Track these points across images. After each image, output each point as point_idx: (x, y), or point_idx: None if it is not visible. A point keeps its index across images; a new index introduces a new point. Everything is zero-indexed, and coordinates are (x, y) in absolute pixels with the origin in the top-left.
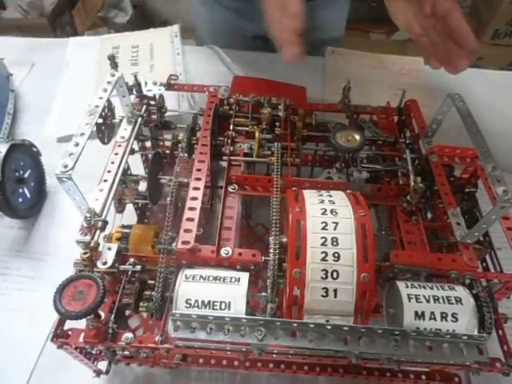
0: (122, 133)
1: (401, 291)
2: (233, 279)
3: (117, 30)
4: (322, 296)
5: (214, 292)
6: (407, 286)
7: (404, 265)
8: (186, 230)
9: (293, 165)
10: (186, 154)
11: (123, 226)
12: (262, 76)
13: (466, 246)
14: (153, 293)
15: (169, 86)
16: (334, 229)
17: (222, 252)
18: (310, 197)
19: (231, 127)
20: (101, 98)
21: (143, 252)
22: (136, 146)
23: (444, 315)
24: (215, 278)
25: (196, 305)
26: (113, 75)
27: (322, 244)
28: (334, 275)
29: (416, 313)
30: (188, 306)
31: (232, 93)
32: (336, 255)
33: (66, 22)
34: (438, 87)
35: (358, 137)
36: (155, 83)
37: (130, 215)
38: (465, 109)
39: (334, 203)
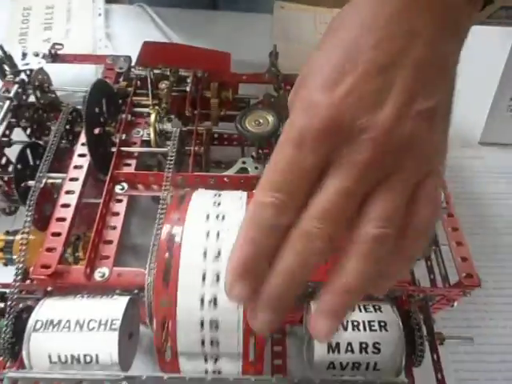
0: None
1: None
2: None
3: None
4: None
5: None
6: None
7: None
8: (49, 249)
9: (196, 155)
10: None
11: (7, 233)
12: (201, 38)
13: None
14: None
15: (53, 58)
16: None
17: (97, 275)
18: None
19: (126, 109)
20: None
21: None
22: (23, 135)
23: (364, 346)
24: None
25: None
26: None
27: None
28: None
29: (329, 346)
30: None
31: (139, 63)
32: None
33: None
34: None
35: (270, 118)
36: (36, 54)
37: None
38: None
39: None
